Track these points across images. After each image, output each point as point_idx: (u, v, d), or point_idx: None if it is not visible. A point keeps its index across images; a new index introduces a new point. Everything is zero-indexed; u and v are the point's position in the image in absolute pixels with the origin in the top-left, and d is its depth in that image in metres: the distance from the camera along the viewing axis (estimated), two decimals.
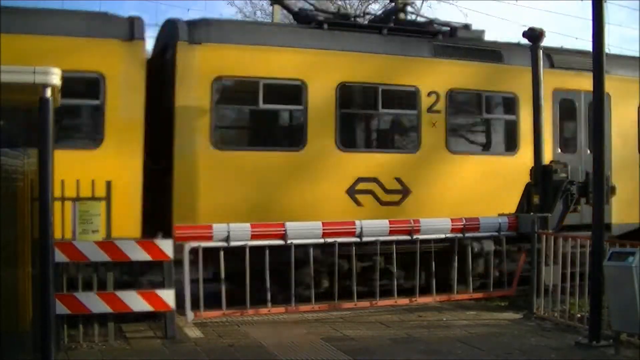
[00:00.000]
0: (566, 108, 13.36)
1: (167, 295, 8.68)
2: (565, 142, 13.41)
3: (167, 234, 9.25)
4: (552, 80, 12.77)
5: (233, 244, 9.85)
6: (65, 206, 8.36)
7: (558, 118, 13.23)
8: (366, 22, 14.08)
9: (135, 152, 10.13)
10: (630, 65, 13.91)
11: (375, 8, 31.56)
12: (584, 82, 12.10)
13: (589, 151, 13.08)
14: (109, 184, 8.85)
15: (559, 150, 13.13)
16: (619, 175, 12.70)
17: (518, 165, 12.39)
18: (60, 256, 8.07)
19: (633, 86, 13.49)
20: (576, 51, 13.93)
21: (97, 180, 8.59)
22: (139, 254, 8.65)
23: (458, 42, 12.79)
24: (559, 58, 13.37)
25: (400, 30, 12.67)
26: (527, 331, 9.40)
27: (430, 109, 12.13)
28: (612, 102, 12.69)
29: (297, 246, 10.35)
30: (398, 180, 11.80)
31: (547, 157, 12.38)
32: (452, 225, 11.16)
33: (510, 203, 11.90)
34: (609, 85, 9.42)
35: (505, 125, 13.11)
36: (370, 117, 12.39)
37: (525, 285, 10.96)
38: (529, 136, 12.21)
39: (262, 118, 11.75)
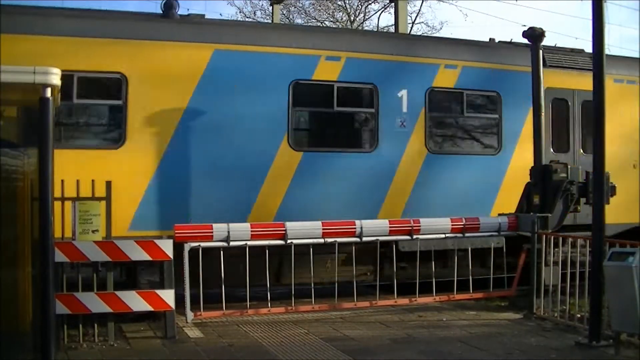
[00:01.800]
0: None
1: (167, 295, 8.69)
2: None
3: None
4: None
5: (233, 243, 9.85)
6: None
7: None
8: None
9: None
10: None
11: (375, 8, 31.74)
12: None
13: None
14: (108, 184, 8.84)
15: None
16: None
17: None
18: (60, 256, 8.08)
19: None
20: None
21: None
22: (139, 254, 8.65)
23: None
24: None
25: None
26: (527, 331, 9.40)
27: None
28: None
29: None
30: None
31: None
32: (452, 225, 11.14)
33: None
34: None
35: None
36: None
37: (526, 285, 10.95)
38: None
39: None
